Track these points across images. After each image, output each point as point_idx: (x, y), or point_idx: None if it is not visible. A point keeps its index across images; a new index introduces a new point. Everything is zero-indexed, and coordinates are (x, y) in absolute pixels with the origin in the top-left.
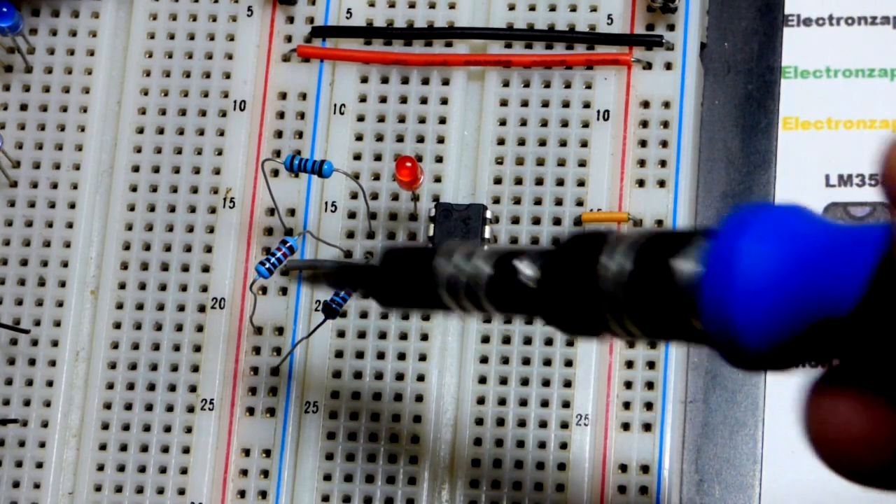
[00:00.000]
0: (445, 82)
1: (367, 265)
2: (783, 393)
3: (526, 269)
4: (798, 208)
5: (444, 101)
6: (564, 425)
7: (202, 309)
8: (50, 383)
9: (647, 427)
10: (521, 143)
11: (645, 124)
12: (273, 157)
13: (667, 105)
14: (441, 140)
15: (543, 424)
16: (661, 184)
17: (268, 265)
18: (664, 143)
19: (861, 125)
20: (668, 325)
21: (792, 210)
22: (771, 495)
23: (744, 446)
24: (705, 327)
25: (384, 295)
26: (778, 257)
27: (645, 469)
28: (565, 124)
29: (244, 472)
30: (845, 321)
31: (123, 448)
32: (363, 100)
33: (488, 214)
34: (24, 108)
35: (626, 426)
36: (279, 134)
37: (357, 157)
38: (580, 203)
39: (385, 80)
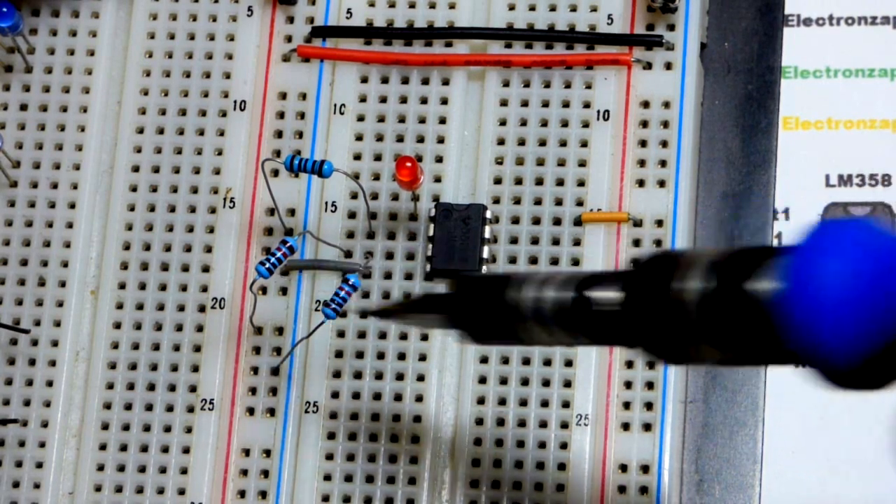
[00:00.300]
0: (445, 82)
1: (444, 295)
2: (783, 393)
3: (610, 295)
4: (867, 222)
5: (444, 101)
6: (564, 425)
7: (202, 309)
8: (50, 383)
9: (647, 427)
10: (522, 142)
11: (645, 124)
12: (273, 157)
13: (667, 105)
14: (441, 140)
15: (543, 424)
16: (662, 184)
17: (268, 265)
18: (664, 143)
19: (861, 125)
20: (753, 346)
21: (863, 224)
22: (771, 495)
23: (744, 446)
24: (793, 347)
25: (469, 327)
26: (861, 270)
27: (645, 469)
28: (565, 124)
29: (244, 472)
30: None
31: (123, 448)
32: (363, 100)
33: (488, 214)
34: (24, 108)
35: (626, 426)
36: (279, 134)
37: (357, 157)
38: (580, 203)
39: (385, 80)
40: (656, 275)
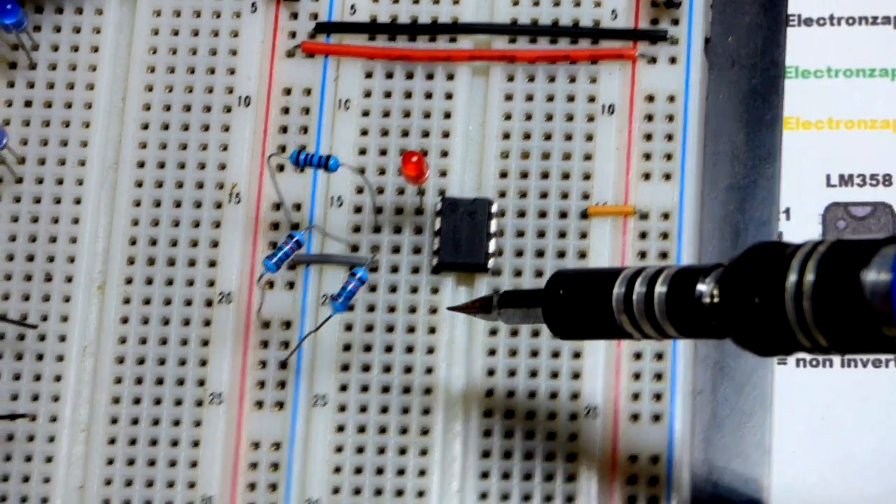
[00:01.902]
0: (450, 77)
1: (537, 290)
2: (792, 384)
3: (704, 286)
4: None
5: (449, 96)
6: (573, 417)
7: (209, 303)
8: (58, 378)
9: (657, 418)
10: (527, 137)
11: (650, 118)
12: (278, 152)
13: (671, 99)
14: (446, 135)
15: (552, 416)
16: (667, 177)
17: (275, 259)
18: (669, 137)
19: (862, 125)
20: (858, 335)
21: None
22: (781, 486)
23: (752, 437)
24: None
25: (559, 322)
26: None
27: (655, 460)
28: (570, 118)
29: (254, 466)
30: None
31: (133, 442)
32: (368, 95)
33: (494, 209)
34: (28, 104)
35: (635, 417)
36: (284, 129)
37: (362, 152)
38: (586, 196)
39: (390, 76)
40: (768, 267)
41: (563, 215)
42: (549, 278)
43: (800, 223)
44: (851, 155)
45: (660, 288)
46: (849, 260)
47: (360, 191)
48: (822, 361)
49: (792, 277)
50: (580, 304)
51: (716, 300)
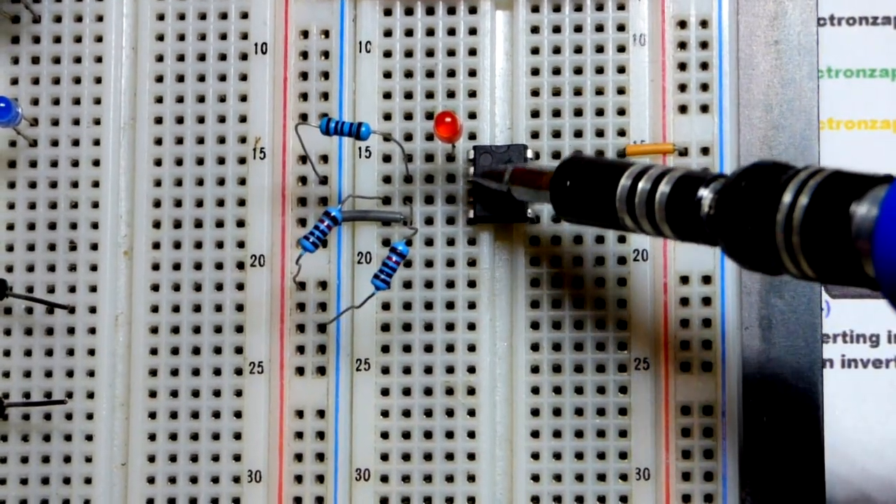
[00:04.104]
0: (472, 11)
1: (546, 173)
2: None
3: (705, 194)
4: None
5: (473, 32)
6: (622, 368)
7: (241, 266)
8: (92, 352)
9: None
10: (557, 72)
11: (683, 45)
12: (301, 118)
13: (704, 24)
14: (472, 73)
15: (601, 369)
16: (705, 109)
17: (312, 239)
18: (704, 66)
19: (862, 125)
20: (840, 268)
21: None
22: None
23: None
24: (876, 274)
25: (564, 207)
26: None
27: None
28: (601, 50)
29: (299, 435)
30: None
31: (174, 416)
32: (388, 34)
33: (529, 153)
34: (35, 60)
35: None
36: (304, 76)
37: (387, 96)
38: (622, 133)
39: (409, 12)
40: (765, 185)
41: (600, 155)
42: (559, 164)
43: None
44: (852, 155)
45: (663, 188)
46: (843, 191)
47: (387, 139)
48: None
49: (786, 199)
50: (586, 194)
51: (712, 211)
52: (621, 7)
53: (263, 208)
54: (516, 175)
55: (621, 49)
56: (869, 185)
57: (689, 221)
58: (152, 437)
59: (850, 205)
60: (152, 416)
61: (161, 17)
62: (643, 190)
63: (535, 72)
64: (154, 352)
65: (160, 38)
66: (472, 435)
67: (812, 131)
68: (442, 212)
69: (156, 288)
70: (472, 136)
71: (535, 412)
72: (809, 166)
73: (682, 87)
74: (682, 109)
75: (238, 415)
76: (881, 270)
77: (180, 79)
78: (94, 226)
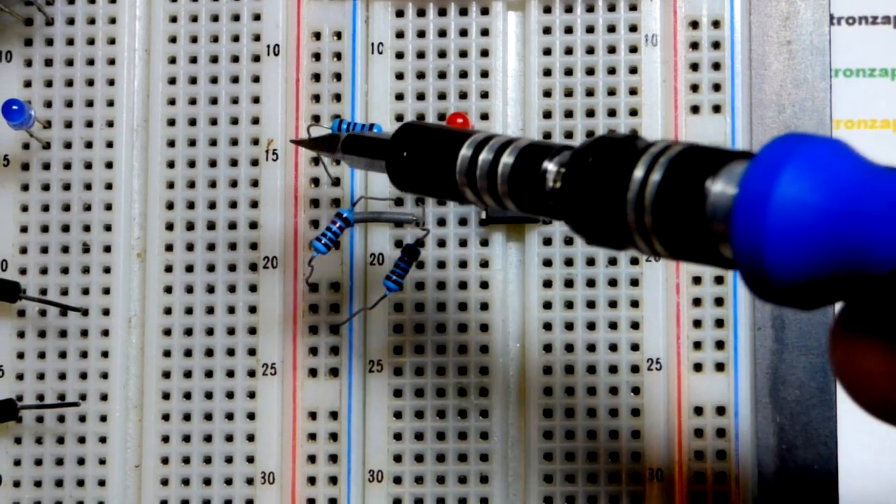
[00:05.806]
0: (484, 12)
1: (383, 140)
2: None
3: (550, 167)
4: (847, 148)
5: (485, 33)
6: (635, 369)
7: (254, 268)
8: (105, 354)
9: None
10: (569, 73)
11: (695, 46)
12: (313, 120)
13: (716, 24)
14: (485, 74)
15: (613, 370)
16: (717, 109)
17: (324, 241)
18: (716, 66)
19: (861, 125)
20: (692, 245)
21: (842, 150)
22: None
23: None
24: (733, 254)
25: (401, 177)
26: (819, 198)
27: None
28: (613, 50)
29: (312, 437)
30: (885, 280)
31: (187, 418)
32: (400, 35)
33: None
34: (48, 63)
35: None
36: (316, 77)
37: (399, 97)
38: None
39: (422, 13)
40: (615, 159)
41: None
42: (396, 130)
43: None
44: None
45: (506, 158)
46: (698, 166)
47: None
48: None
49: (638, 174)
50: (424, 164)
51: (557, 185)
52: (633, 8)
53: (276, 210)
54: (350, 143)
55: (633, 50)
56: (725, 160)
57: (533, 195)
58: (166, 439)
59: (706, 181)
60: (165, 417)
61: (174, 20)
62: (485, 161)
63: (548, 73)
64: (167, 354)
65: (173, 40)
66: (484, 436)
67: (825, 131)
68: (454, 213)
69: (169, 290)
70: None
71: (548, 413)
72: (663, 140)
73: (695, 88)
74: (695, 110)
75: (251, 416)
76: (741, 255)
77: (193, 81)
78: (108, 228)
